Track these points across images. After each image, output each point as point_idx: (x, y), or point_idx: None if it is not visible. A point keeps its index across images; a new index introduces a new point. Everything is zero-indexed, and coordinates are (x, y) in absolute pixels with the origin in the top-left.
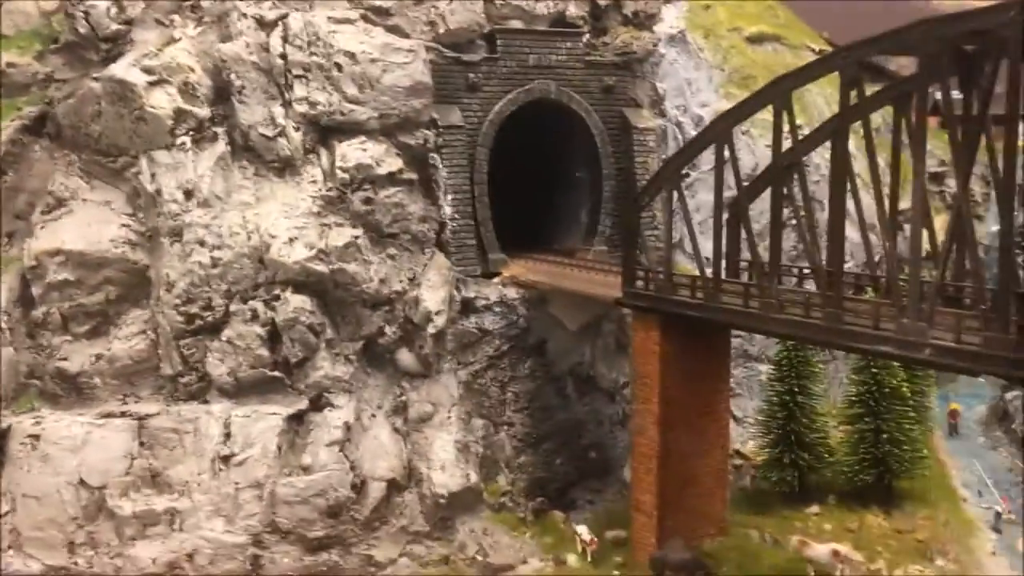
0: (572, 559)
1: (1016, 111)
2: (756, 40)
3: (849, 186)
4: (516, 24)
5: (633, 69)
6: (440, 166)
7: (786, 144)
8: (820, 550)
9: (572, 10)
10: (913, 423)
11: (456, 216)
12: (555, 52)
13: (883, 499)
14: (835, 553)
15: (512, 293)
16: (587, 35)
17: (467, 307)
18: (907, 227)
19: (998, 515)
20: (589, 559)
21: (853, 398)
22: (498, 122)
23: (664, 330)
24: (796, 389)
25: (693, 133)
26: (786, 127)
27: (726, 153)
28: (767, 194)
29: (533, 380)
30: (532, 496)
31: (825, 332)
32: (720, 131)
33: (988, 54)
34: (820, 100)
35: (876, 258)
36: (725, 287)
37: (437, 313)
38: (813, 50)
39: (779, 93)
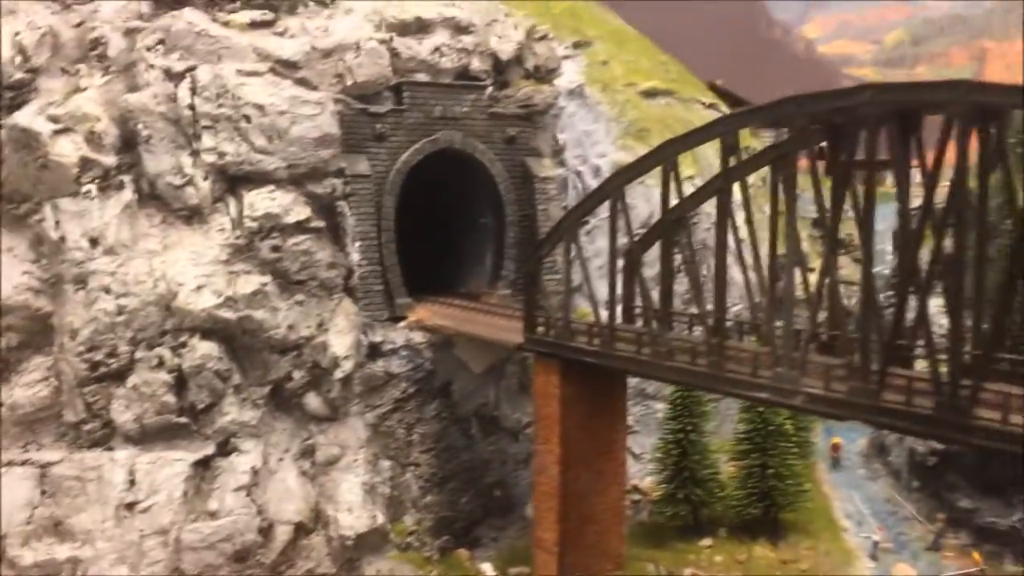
0: None
1: (872, 174)
2: (650, 94)
3: (737, 238)
4: (422, 77)
5: (535, 121)
6: (348, 214)
7: (675, 199)
8: None
9: (476, 64)
10: (796, 458)
11: (363, 262)
12: (460, 104)
13: (770, 531)
14: None
15: (418, 337)
16: (490, 88)
17: (374, 351)
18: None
19: (875, 544)
20: None
21: (742, 435)
22: (405, 171)
23: (564, 374)
24: (689, 427)
25: (592, 182)
26: (674, 185)
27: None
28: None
29: (439, 421)
30: (438, 535)
31: (709, 379)
32: (614, 188)
33: (849, 126)
34: (711, 152)
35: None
36: (619, 334)
37: (345, 357)
38: (703, 103)
39: (666, 156)
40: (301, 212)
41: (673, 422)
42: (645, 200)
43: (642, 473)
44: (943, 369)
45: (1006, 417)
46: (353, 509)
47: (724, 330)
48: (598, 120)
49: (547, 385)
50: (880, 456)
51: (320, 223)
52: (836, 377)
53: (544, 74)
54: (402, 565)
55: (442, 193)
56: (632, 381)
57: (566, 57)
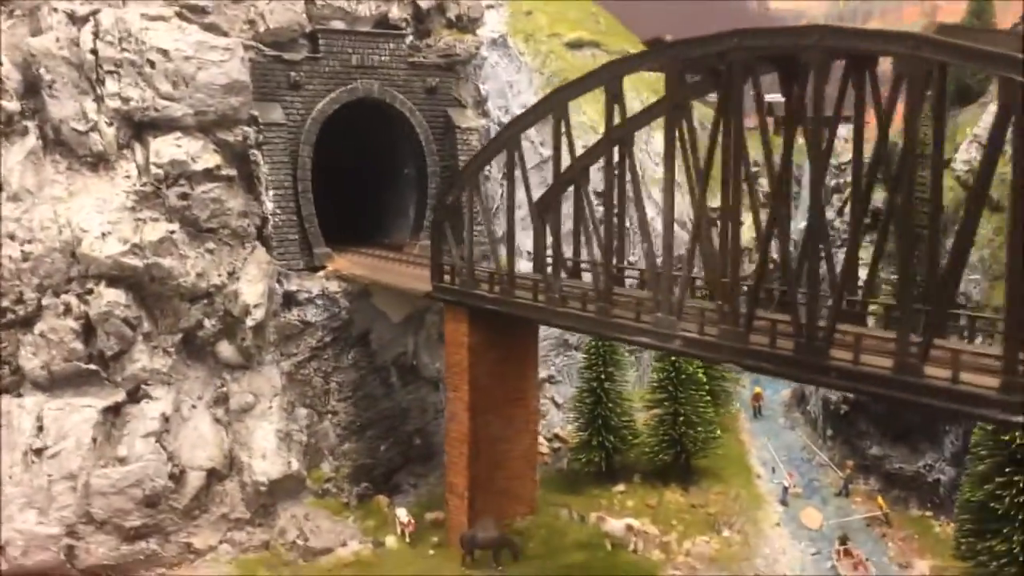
0: (391, 541)
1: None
2: (575, 45)
3: (636, 188)
4: (338, 24)
5: (457, 71)
6: (262, 162)
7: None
8: (616, 525)
9: (395, 12)
10: (708, 406)
11: (278, 211)
12: (378, 53)
13: (682, 477)
14: (629, 527)
15: (334, 286)
16: (410, 37)
17: (289, 300)
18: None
19: (785, 489)
20: (407, 540)
21: (655, 384)
22: (321, 120)
23: (471, 322)
24: (603, 376)
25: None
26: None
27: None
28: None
29: (357, 370)
30: (357, 482)
31: (597, 324)
32: (509, 137)
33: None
34: (637, 104)
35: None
36: (519, 282)
37: (256, 306)
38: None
39: (557, 103)
40: (210, 160)
41: (588, 371)
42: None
43: (564, 421)
44: (803, 313)
45: (858, 357)
46: (267, 456)
47: (612, 277)
48: (521, 71)
49: (456, 333)
50: (800, 406)
51: (231, 171)
52: (710, 321)
53: (466, 23)
54: (318, 510)
55: (364, 144)
56: (555, 332)
57: (489, 6)
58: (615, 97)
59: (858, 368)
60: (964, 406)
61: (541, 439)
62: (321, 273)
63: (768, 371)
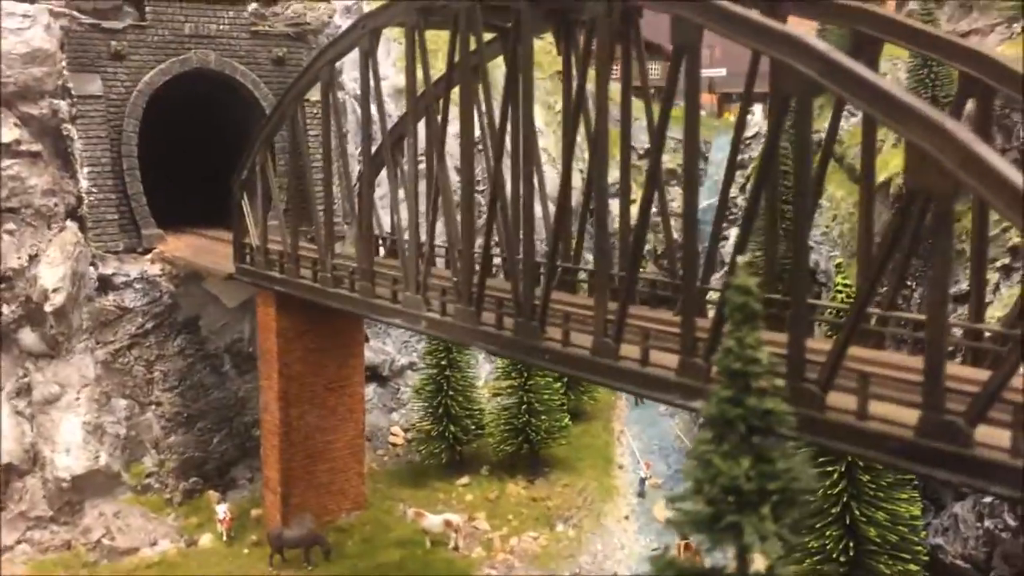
0: (206, 539)
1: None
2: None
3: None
4: None
5: (307, 40)
6: (76, 138)
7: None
8: (433, 521)
9: None
10: (556, 393)
11: (94, 190)
12: (215, 21)
13: (531, 469)
14: (448, 523)
15: (155, 269)
16: (254, 4)
17: (106, 284)
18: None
19: (642, 481)
20: (224, 538)
21: (500, 370)
22: (148, 92)
23: (280, 305)
24: (445, 363)
25: (372, 107)
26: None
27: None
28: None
29: (183, 358)
30: (185, 476)
31: (362, 305)
32: (288, 104)
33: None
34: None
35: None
36: (304, 261)
37: (55, 290)
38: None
39: (323, 65)
40: (9, 134)
41: (430, 357)
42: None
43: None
44: (520, 287)
45: (567, 337)
46: (71, 450)
47: (371, 252)
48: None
49: (265, 318)
50: None
51: (36, 147)
52: (450, 299)
53: None
54: (133, 508)
55: (215, 120)
56: None
57: None
58: (367, 53)
59: (566, 350)
60: (652, 391)
61: (397, 429)
62: (148, 256)
63: (496, 353)
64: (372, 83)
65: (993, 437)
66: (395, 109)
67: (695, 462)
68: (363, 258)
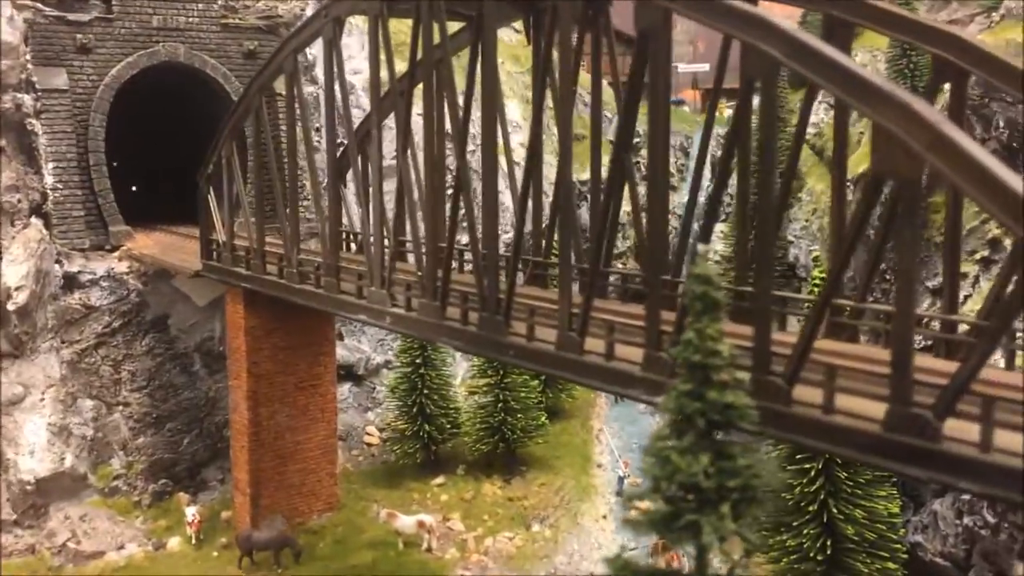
0: (174, 542)
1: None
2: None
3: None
4: None
5: (279, 34)
6: (40, 133)
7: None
8: (406, 522)
9: None
10: (531, 392)
11: (59, 186)
12: (184, 13)
13: (507, 468)
14: (421, 524)
15: (122, 267)
16: None
17: (71, 282)
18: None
19: (621, 479)
20: (193, 541)
21: (477, 367)
22: (115, 87)
23: (248, 303)
24: (419, 361)
25: (365, 101)
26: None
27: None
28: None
29: (152, 357)
30: (155, 478)
31: (326, 301)
32: (253, 96)
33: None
34: None
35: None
36: (270, 257)
37: (18, 288)
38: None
39: (287, 55)
40: None
41: (404, 355)
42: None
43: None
44: (485, 281)
45: (531, 332)
46: (36, 452)
47: (337, 247)
48: (351, 34)
49: (234, 315)
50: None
51: None
52: (415, 294)
53: None
54: (99, 510)
55: (186, 115)
56: None
57: None
58: (331, 42)
59: (531, 345)
60: (617, 386)
61: (373, 429)
62: (115, 253)
63: (462, 348)
64: (337, 73)
65: (963, 431)
66: (368, 103)
67: (653, 459)
68: (328, 253)
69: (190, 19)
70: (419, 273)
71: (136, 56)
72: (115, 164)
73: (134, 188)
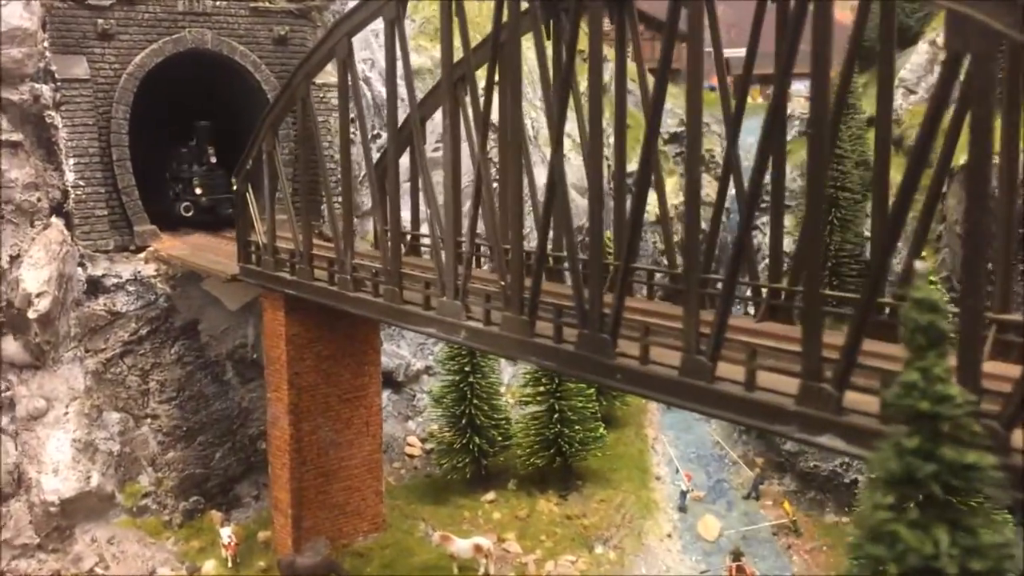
0: (210, 566)
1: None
2: None
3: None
4: None
5: (312, 18)
6: (60, 126)
7: None
8: (462, 546)
9: None
10: (589, 400)
11: (81, 183)
12: None
13: (562, 483)
14: (478, 548)
15: (149, 270)
16: None
17: (95, 287)
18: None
19: (683, 493)
20: (230, 565)
21: (529, 376)
22: (140, 76)
23: (289, 309)
24: (468, 368)
25: (381, 88)
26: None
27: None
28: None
29: (182, 366)
30: (185, 496)
31: (388, 312)
32: (299, 84)
33: None
34: None
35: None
36: (319, 262)
37: (39, 295)
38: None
39: (340, 38)
40: None
41: (451, 362)
42: None
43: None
44: (585, 292)
45: (645, 354)
46: (60, 470)
47: (399, 252)
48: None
49: (273, 323)
50: None
51: (16, 136)
52: (497, 306)
53: None
54: (129, 531)
55: (222, 107)
56: None
57: None
58: (391, 24)
59: (646, 369)
60: (759, 421)
61: (414, 439)
62: (141, 255)
63: (555, 370)
64: (400, 56)
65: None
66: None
67: (871, 535)
68: (389, 258)
69: (217, 3)
70: (502, 282)
71: (161, 43)
72: (138, 160)
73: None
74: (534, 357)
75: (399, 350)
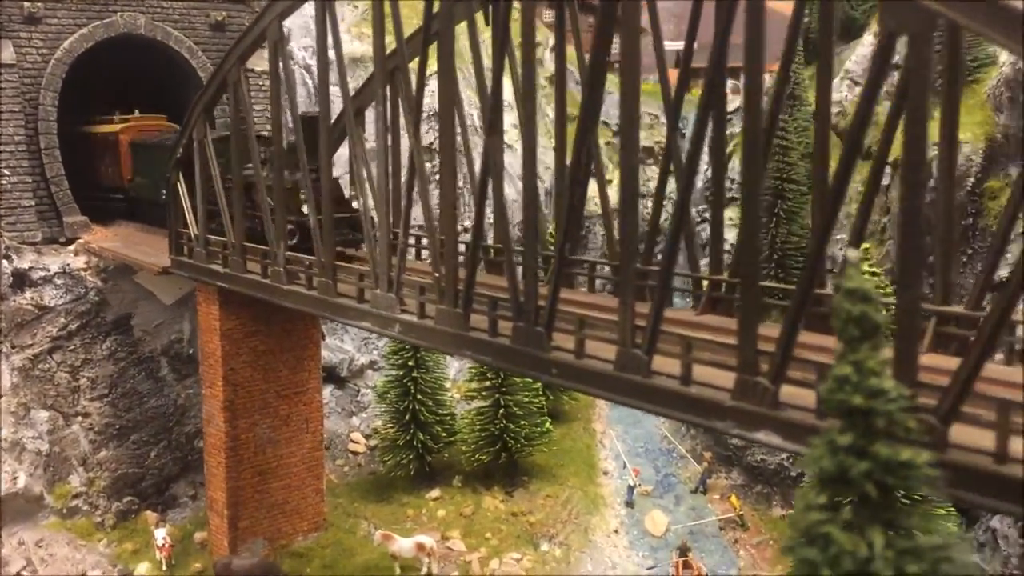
0: (144, 568)
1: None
2: None
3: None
4: None
5: (250, 4)
6: None
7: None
8: (404, 545)
9: None
10: (534, 396)
11: (7, 172)
12: None
13: (508, 479)
14: (420, 547)
15: (79, 263)
16: None
17: (21, 280)
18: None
19: (631, 488)
20: (164, 567)
21: (475, 371)
22: (68, 61)
23: (224, 303)
24: (411, 363)
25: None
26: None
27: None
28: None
29: (114, 362)
30: (119, 496)
31: (321, 304)
32: (230, 69)
33: None
34: None
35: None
36: (251, 255)
37: None
38: None
39: (271, 21)
40: None
41: (394, 356)
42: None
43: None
44: (519, 284)
45: (581, 348)
46: None
47: (333, 243)
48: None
49: (207, 317)
50: None
51: None
52: (431, 299)
53: None
54: (57, 534)
55: (139, 92)
56: None
57: None
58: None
59: (581, 363)
60: (695, 417)
61: (358, 436)
62: (71, 247)
63: (490, 364)
64: (333, 42)
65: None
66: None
67: (804, 538)
68: (323, 249)
69: None
70: (436, 274)
71: (91, 27)
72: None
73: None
74: (469, 351)
75: (343, 345)
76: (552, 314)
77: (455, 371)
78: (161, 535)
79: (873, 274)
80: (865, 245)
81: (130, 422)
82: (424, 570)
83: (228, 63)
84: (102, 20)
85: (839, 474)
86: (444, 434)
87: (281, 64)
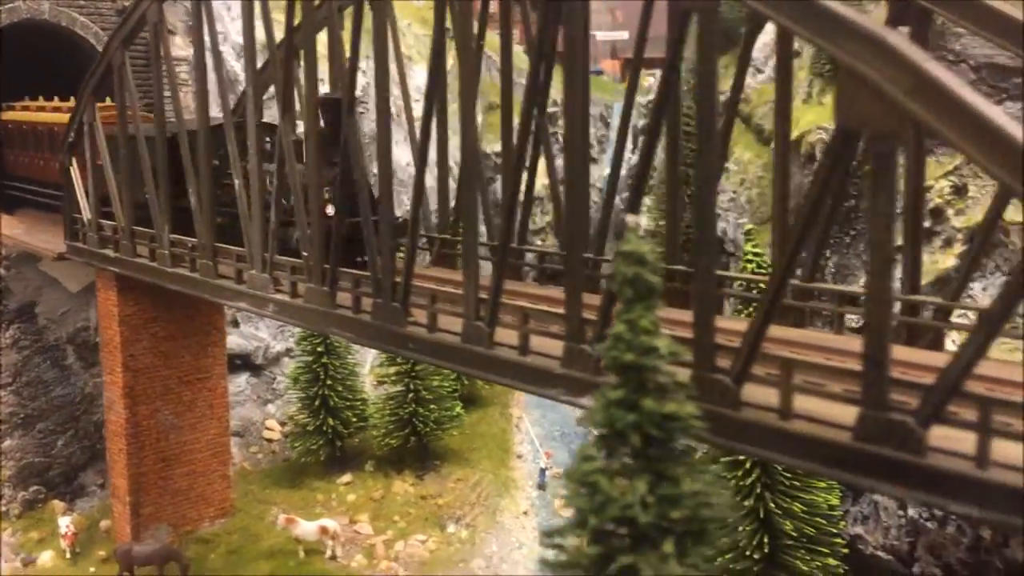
0: (47, 557)
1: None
2: None
3: None
4: None
5: None
6: None
7: None
8: (307, 528)
9: None
10: (445, 380)
11: None
12: None
13: (419, 463)
14: (323, 530)
15: None
16: None
17: None
18: None
19: (543, 471)
20: (68, 555)
21: (388, 356)
22: None
23: (122, 289)
24: (321, 349)
25: (236, 64)
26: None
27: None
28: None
29: (18, 351)
30: (25, 486)
31: (204, 287)
32: (114, 51)
33: None
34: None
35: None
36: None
37: None
38: None
39: (151, 3)
40: None
41: (304, 343)
42: None
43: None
44: (377, 261)
45: (433, 322)
46: None
47: (212, 225)
48: None
49: (106, 303)
50: None
51: None
52: (301, 278)
53: None
54: None
55: (46, 80)
56: None
57: None
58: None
59: (433, 337)
60: (532, 386)
61: (273, 423)
62: None
63: (355, 340)
64: (208, 29)
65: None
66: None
67: (577, 486)
68: (203, 232)
69: None
70: (304, 253)
71: None
72: None
73: None
74: (335, 328)
75: (258, 332)
76: (408, 289)
77: (372, 356)
78: (65, 523)
79: (756, 254)
80: (749, 226)
81: (36, 411)
82: (328, 553)
83: (112, 46)
84: (3, 5)
85: (609, 427)
86: (355, 419)
87: (162, 47)
